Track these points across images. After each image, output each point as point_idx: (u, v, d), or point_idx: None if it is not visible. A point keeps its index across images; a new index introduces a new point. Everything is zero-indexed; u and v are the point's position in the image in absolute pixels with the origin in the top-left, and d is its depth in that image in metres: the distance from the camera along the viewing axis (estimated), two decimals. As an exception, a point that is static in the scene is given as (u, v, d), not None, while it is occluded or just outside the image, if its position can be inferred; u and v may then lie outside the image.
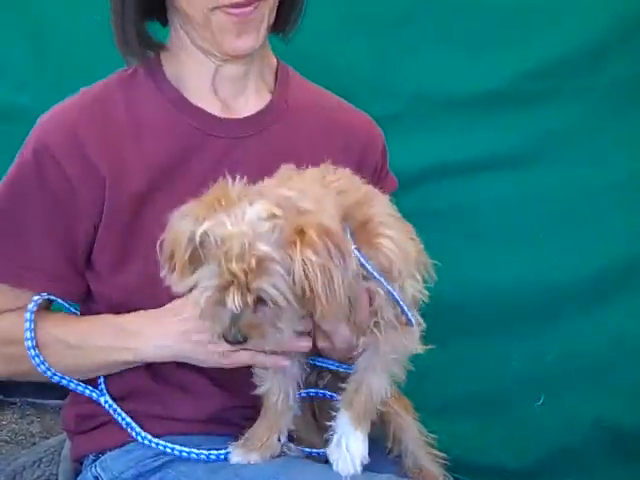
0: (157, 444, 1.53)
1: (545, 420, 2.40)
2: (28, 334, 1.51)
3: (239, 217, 1.22)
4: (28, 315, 1.51)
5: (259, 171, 1.37)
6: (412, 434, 1.68)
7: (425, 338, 1.49)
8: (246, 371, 1.50)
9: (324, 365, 1.54)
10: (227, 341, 1.29)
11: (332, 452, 1.44)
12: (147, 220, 1.51)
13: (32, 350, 1.51)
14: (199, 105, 1.59)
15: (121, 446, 1.58)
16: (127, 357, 1.52)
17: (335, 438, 1.45)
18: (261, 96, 1.65)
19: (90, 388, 1.58)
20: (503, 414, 2.43)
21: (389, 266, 1.38)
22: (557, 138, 2.34)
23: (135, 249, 1.53)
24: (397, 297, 1.40)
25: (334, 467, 1.43)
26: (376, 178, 1.69)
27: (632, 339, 2.34)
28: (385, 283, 1.38)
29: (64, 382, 1.57)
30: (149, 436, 1.54)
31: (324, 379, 1.59)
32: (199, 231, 1.23)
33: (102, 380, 1.59)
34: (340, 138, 1.67)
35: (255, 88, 1.64)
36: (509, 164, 2.32)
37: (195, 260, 1.25)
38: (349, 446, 1.43)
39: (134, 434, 1.55)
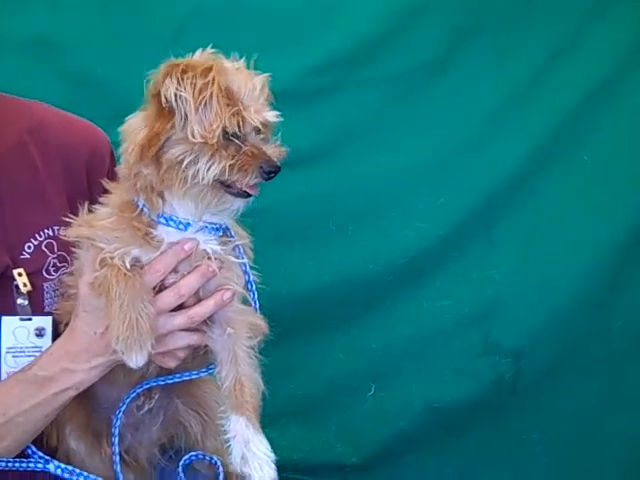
0: None
1: (378, 410, 2.44)
2: None
3: None
4: None
5: None
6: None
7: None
8: None
9: (178, 380, 1.45)
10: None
11: (241, 465, 1.28)
12: None
13: None
14: None
15: None
16: (70, 394, 1.39)
17: (236, 449, 1.29)
18: None
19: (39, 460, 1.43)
20: (337, 410, 2.46)
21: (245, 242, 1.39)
22: (350, 129, 2.37)
23: None
24: (250, 273, 1.38)
25: None
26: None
27: (446, 316, 2.42)
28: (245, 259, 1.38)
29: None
30: None
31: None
32: None
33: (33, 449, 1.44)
34: (60, 163, 1.58)
35: None
36: (307, 161, 2.31)
37: None
38: (257, 453, 1.28)
39: None
